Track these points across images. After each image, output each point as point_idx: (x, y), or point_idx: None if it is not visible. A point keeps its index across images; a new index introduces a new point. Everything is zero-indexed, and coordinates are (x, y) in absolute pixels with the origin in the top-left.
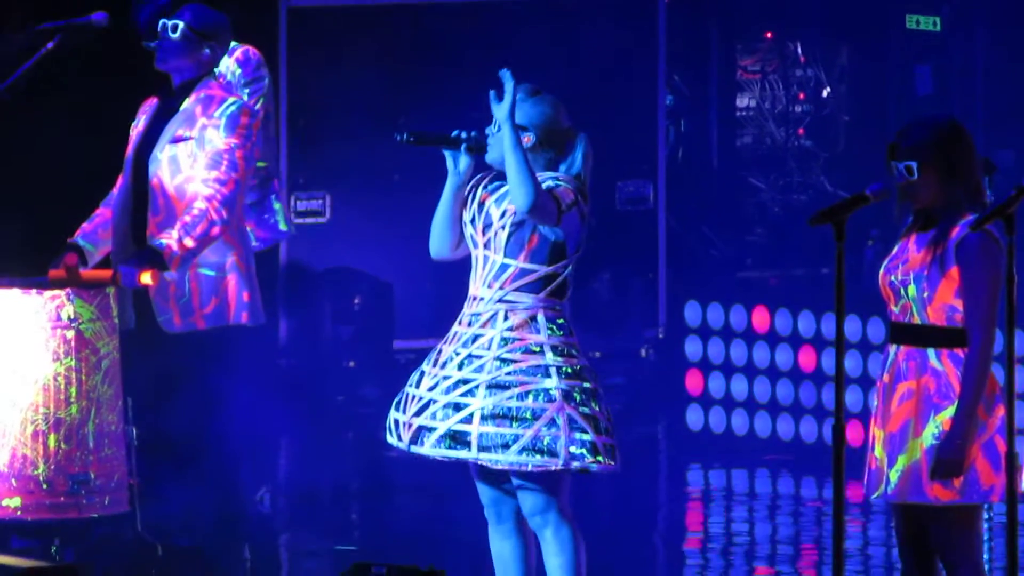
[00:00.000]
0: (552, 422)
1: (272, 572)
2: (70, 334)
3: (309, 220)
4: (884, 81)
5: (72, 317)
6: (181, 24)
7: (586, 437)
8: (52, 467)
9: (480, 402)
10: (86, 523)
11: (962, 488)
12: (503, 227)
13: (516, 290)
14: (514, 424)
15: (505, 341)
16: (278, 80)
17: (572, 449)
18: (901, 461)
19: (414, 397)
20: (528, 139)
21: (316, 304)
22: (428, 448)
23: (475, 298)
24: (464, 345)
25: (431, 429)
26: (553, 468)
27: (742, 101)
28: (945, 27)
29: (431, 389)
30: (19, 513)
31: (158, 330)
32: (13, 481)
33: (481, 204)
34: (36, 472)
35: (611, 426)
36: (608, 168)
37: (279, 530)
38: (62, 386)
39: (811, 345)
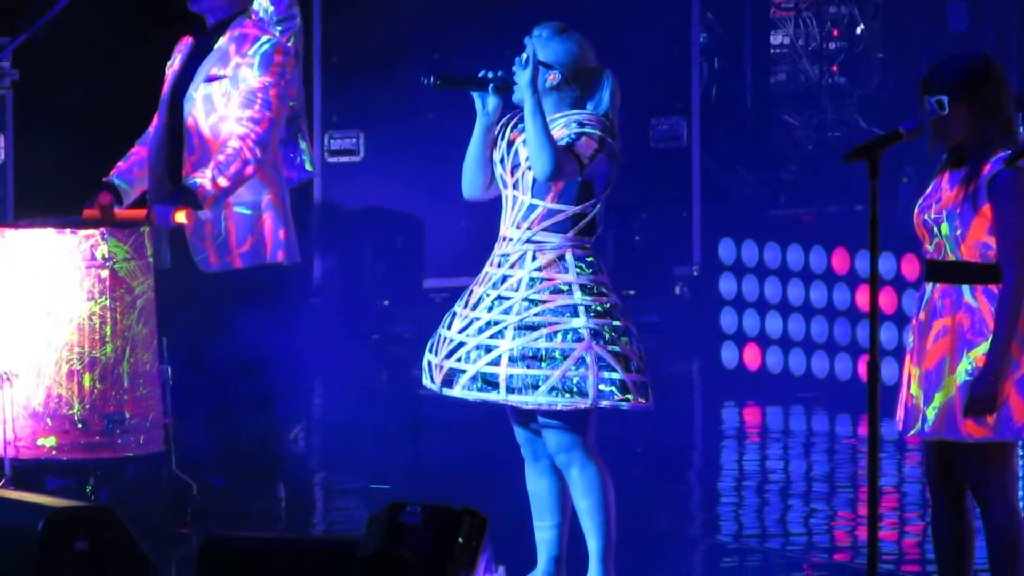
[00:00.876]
0: (580, 361)
1: (306, 511)
2: (104, 273)
3: (343, 159)
4: (918, 18)
5: (107, 256)
6: None
7: (615, 375)
8: (87, 407)
9: (508, 343)
10: (121, 463)
11: (995, 425)
12: (530, 168)
13: (544, 230)
14: (543, 364)
15: (533, 281)
16: (312, 18)
17: (601, 388)
18: (938, 398)
19: (446, 339)
20: (554, 77)
21: (350, 243)
22: (459, 390)
23: (505, 238)
24: (494, 286)
25: (462, 371)
26: (582, 407)
27: (776, 38)
28: None
29: (462, 331)
30: (54, 453)
31: (194, 269)
32: (48, 421)
33: (511, 144)
34: (71, 412)
35: (643, 364)
36: (642, 106)
37: (313, 469)
38: (97, 325)
39: (845, 282)
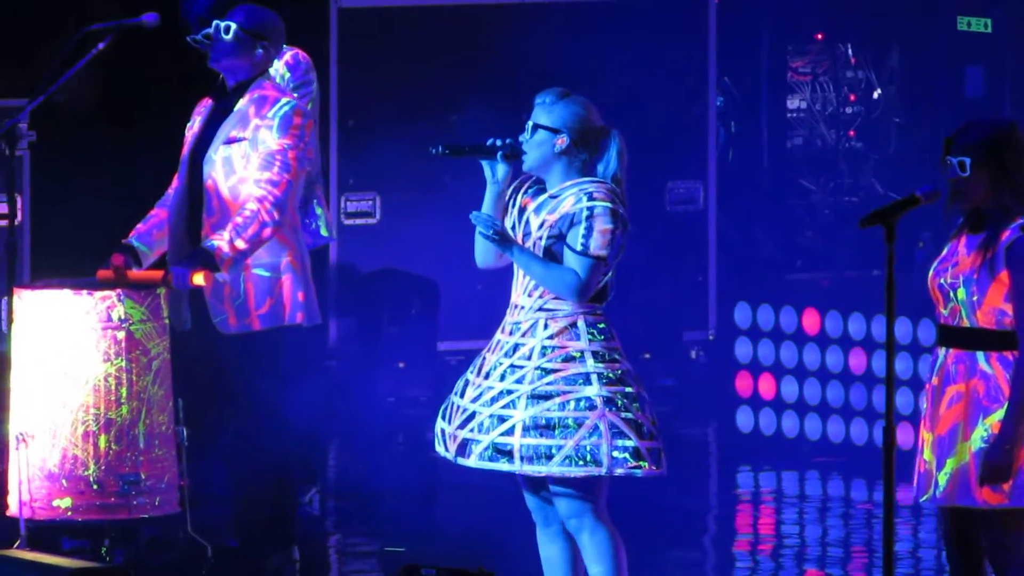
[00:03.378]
0: (594, 429)
1: (321, 573)
2: (121, 335)
3: (359, 221)
4: (935, 83)
5: (123, 318)
6: (234, 25)
7: (629, 443)
8: (103, 468)
9: (522, 413)
10: (136, 524)
11: (1011, 491)
12: (541, 238)
13: (556, 298)
14: (556, 433)
15: (546, 350)
16: (328, 80)
17: (615, 455)
18: (950, 464)
19: (459, 408)
20: (562, 141)
21: (366, 305)
22: (474, 460)
23: (516, 306)
24: (506, 355)
25: (476, 441)
26: (597, 475)
27: (793, 102)
28: (996, 28)
29: (475, 400)
30: (70, 514)
31: (213, 331)
32: (64, 482)
33: (522, 210)
34: (87, 473)
35: (656, 430)
36: (658, 169)
37: (328, 531)
38: (112, 387)
39: (861, 347)
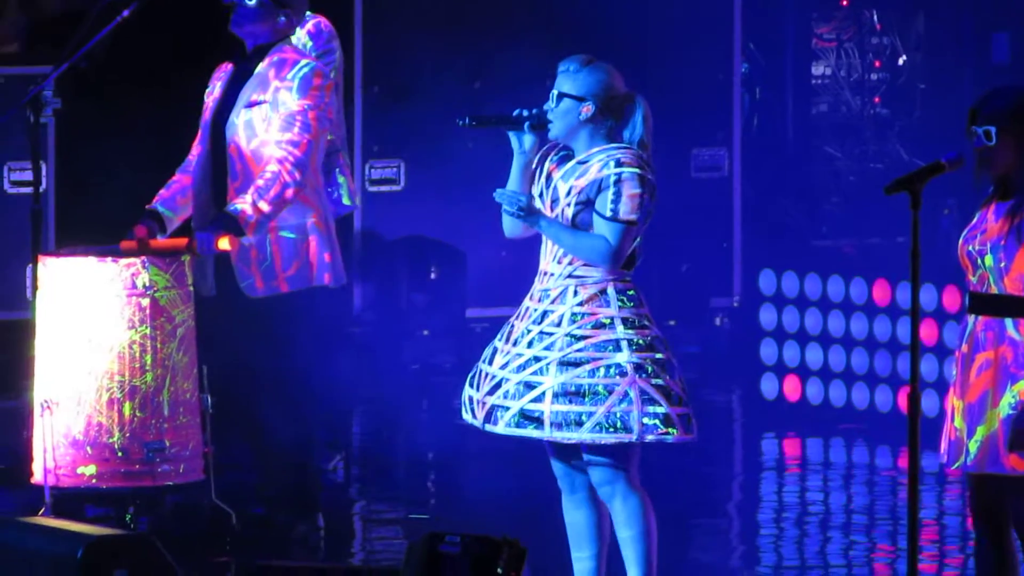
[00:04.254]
0: (624, 396)
1: (345, 540)
2: (145, 302)
3: (383, 188)
4: (960, 49)
5: (147, 285)
6: None
7: (659, 409)
8: (127, 435)
9: (552, 380)
10: (161, 491)
11: None
12: (569, 204)
13: (585, 265)
14: (587, 400)
15: (575, 317)
16: (353, 47)
17: (645, 422)
18: (980, 432)
19: (487, 375)
20: (588, 109)
21: (390, 272)
22: (502, 427)
23: (545, 273)
24: (535, 322)
25: (504, 408)
26: (627, 442)
27: (817, 69)
28: None
29: (503, 367)
30: (94, 481)
31: (239, 296)
32: (88, 449)
33: (549, 178)
34: (111, 440)
35: (685, 396)
36: (683, 136)
37: (353, 498)
38: (137, 354)
39: (886, 314)
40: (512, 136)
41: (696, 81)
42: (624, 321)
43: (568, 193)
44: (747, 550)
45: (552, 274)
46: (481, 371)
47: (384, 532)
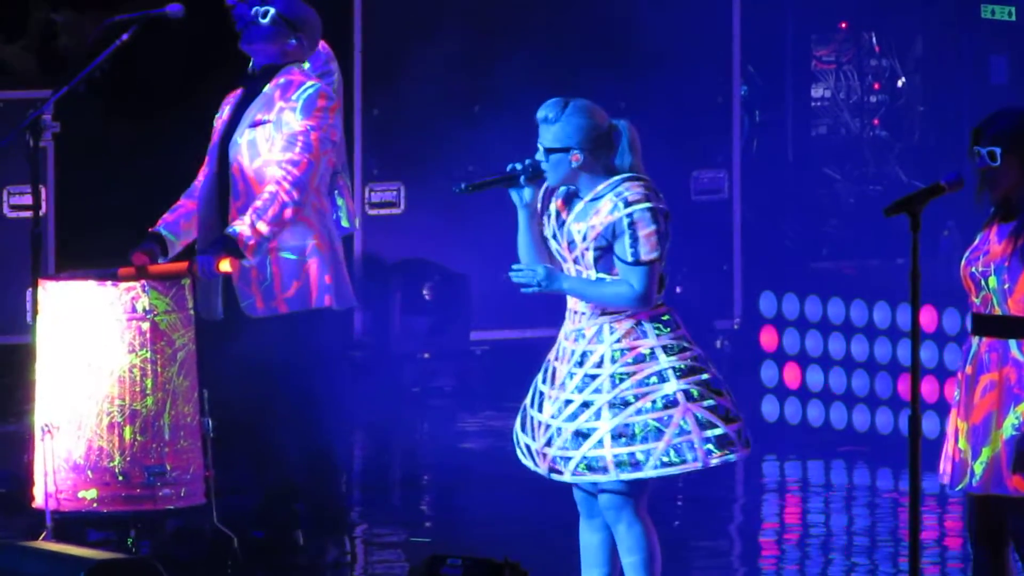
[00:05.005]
0: (679, 427)
1: (347, 564)
2: (145, 326)
3: (383, 211)
4: (959, 71)
5: (147, 309)
6: (272, 10)
7: (716, 432)
8: (128, 459)
9: (607, 424)
10: (162, 515)
11: None
12: (588, 248)
13: None
14: (639, 437)
15: (615, 354)
16: (353, 69)
17: (705, 448)
18: (985, 453)
19: (541, 424)
20: (576, 157)
21: (390, 295)
22: (568, 476)
23: (575, 312)
24: (578, 364)
25: (567, 458)
26: (694, 470)
27: (817, 91)
28: (1020, 17)
29: (555, 416)
30: (95, 505)
31: (241, 317)
32: (89, 473)
33: (560, 217)
34: (112, 464)
35: (735, 410)
36: (683, 158)
37: (354, 522)
38: (137, 378)
39: (887, 336)
40: (512, 193)
41: (696, 103)
42: (665, 349)
43: (585, 237)
44: (748, 572)
45: (583, 313)
46: (532, 418)
47: (385, 555)
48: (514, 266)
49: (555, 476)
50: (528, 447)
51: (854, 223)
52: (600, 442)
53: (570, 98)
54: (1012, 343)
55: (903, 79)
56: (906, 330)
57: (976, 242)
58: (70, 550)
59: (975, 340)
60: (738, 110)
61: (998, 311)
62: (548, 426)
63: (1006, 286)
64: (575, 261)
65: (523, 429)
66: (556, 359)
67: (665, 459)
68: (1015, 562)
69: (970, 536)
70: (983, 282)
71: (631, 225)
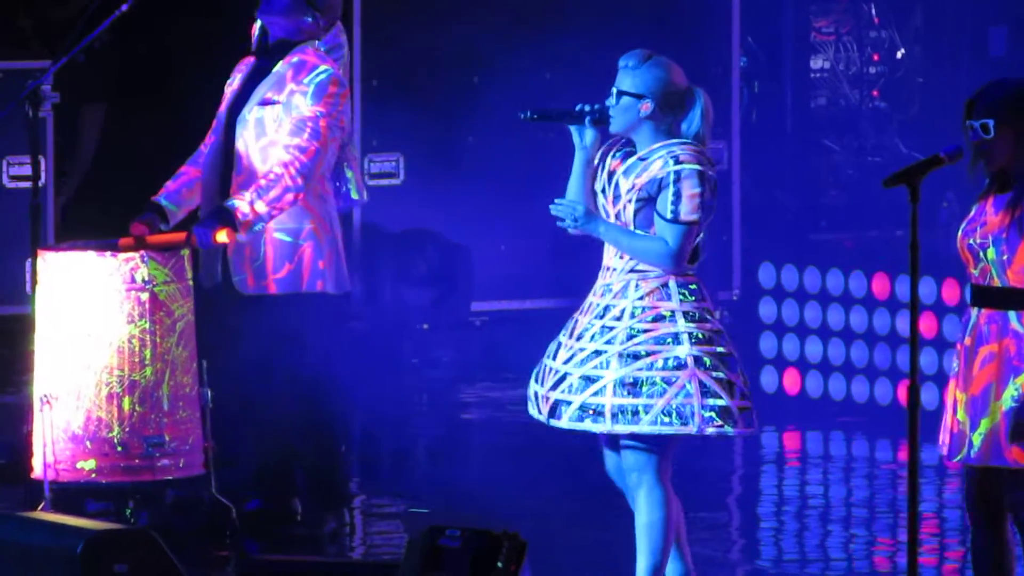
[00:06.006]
0: (683, 388)
1: (345, 534)
2: (144, 296)
3: (383, 182)
4: (958, 42)
5: (147, 279)
6: None
7: (719, 402)
8: (127, 430)
9: (613, 373)
10: (160, 486)
11: None
12: (630, 201)
13: None
14: (645, 392)
15: (636, 311)
16: (352, 40)
17: (704, 414)
18: (984, 424)
19: (551, 370)
20: (647, 107)
21: (389, 266)
22: (565, 422)
23: (608, 268)
24: (598, 316)
25: (567, 403)
26: (688, 433)
27: (816, 63)
28: None
29: (567, 362)
30: (94, 476)
31: (232, 290)
32: (88, 443)
33: (612, 173)
34: (111, 435)
35: (747, 390)
36: None
37: (353, 493)
38: (136, 348)
39: (885, 307)
40: (573, 131)
41: (695, 75)
42: (685, 315)
43: (630, 190)
44: (747, 544)
45: (614, 269)
46: (545, 366)
47: (384, 526)
48: (556, 200)
49: (553, 422)
50: (536, 394)
51: (853, 194)
52: (602, 390)
53: (654, 53)
54: (1011, 314)
55: (902, 50)
56: (905, 301)
57: (972, 214)
58: (69, 520)
59: (974, 312)
60: (737, 81)
61: (997, 283)
62: (557, 371)
63: (1004, 257)
64: (616, 216)
65: (536, 379)
66: (581, 313)
67: (663, 418)
68: (1014, 534)
69: (968, 508)
70: (982, 254)
71: (677, 182)
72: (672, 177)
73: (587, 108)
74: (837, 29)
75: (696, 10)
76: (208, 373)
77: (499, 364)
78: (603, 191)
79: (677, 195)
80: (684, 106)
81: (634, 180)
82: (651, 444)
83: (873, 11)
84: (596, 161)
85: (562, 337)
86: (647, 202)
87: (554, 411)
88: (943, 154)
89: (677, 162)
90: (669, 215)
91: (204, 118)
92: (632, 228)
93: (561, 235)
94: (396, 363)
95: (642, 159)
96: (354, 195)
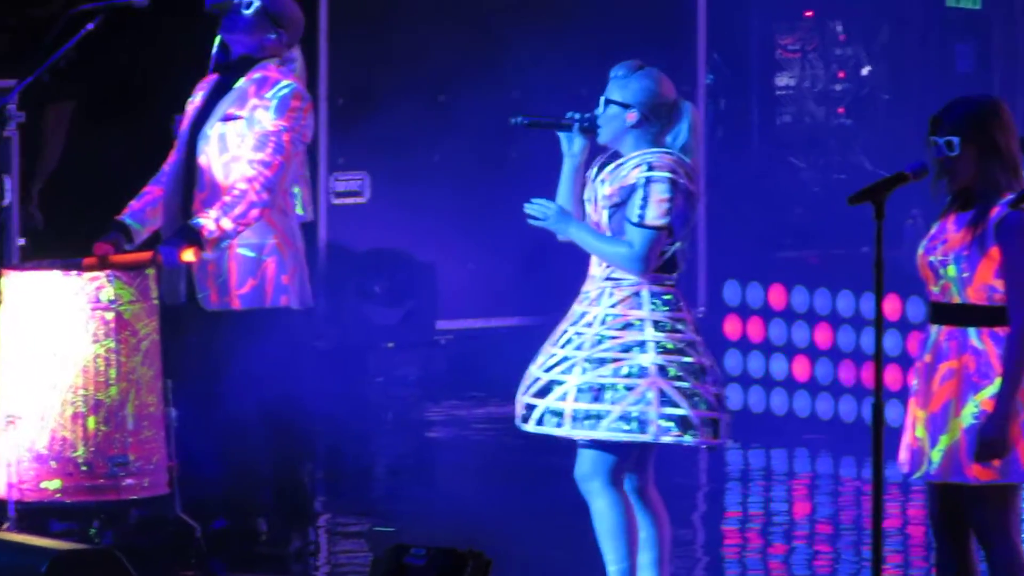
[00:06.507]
0: (643, 397)
1: (310, 553)
2: (110, 316)
3: (348, 200)
4: (924, 60)
5: (112, 299)
6: (257, 2)
7: (678, 412)
8: (91, 449)
9: (575, 379)
10: (125, 505)
11: (1002, 468)
12: (604, 207)
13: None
14: (606, 398)
15: (607, 318)
16: (318, 58)
17: (662, 423)
18: (943, 441)
19: (530, 375)
20: (632, 116)
21: (355, 285)
22: (531, 425)
23: (590, 276)
24: (573, 323)
25: (534, 407)
26: (645, 441)
27: (782, 80)
28: (985, 5)
29: (543, 367)
30: (59, 495)
31: (196, 307)
32: (52, 463)
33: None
34: (75, 454)
35: (715, 401)
36: None
37: (318, 511)
38: (102, 368)
39: (850, 324)
40: (562, 138)
41: None
42: (655, 324)
43: (606, 196)
44: (711, 561)
45: (594, 276)
46: (529, 373)
47: (349, 545)
48: (533, 200)
49: (523, 426)
50: (518, 400)
51: (819, 211)
52: (565, 395)
53: (645, 64)
54: (971, 331)
55: (868, 67)
56: (869, 318)
57: (933, 231)
58: (33, 540)
59: (934, 328)
60: (703, 98)
61: (957, 299)
62: (534, 376)
63: (965, 275)
64: (596, 224)
65: (522, 383)
66: (564, 320)
67: (622, 425)
68: (978, 550)
69: (932, 524)
70: (942, 271)
71: (646, 186)
72: (642, 182)
73: (576, 116)
74: (803, 46)
75: (662, 27)
76: (172, 392)
77: (465, 382)
78: (590, 200)
79: (645, 199)
80: (671, 118)
81: (610, 186)
82: (606, 449)
83: (839, 28)
84: (587, 172)
85: (547, 344)
86: (620, 207)
87: (526, 415)
88: (908, 171)
89: (649, 168)
90: (635, 219)
91: (170, 137)
92: (607, 233)
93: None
94: (361, 381)
95: (620, 166)
96: (299, 211)
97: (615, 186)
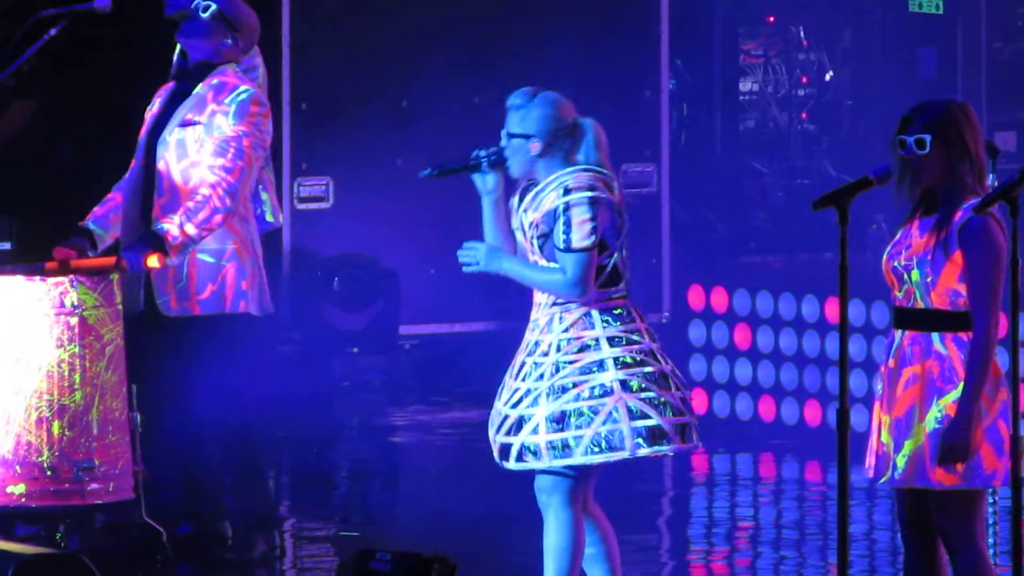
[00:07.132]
0: (610, 416)
1: (276, 557)
2: (74, 321)
3: (312, 206)
4: (887, 65)
5: (76, 304)
6: (213, 6)
7: (648, 423)
8: (56, 454)
9: (543, 410)
10: (91, 510)
11: (965, 473)
12: (532, 236)
13: None
14: (573, 423)
15: (562, 343)
16: (281, 64)
17: (637, 439)
18: (908, 446)
19: (498, 412)
20: (535, 146)
21: (319, 290)
22: (512, 463)
23: (536, 303)
24: (529, 354)
25: (510, 445)
26: (621, 458)
27: (745, 85)
28: (948, 10)
29: (506, 403)
30: (24, 500)
31: (156, 313)
32: (17, 468)
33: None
34: (40, 459)
35: (683, 405)
36: (612, 152)
37: (283, 516)
38: (66, 373)
39: (815, 329)
40: (476, 178)
41: (624, 98)
42: (610, 340)
43: (531, 225)
44: (677, 566)
45: (540, 303)
46: (495, 409)
47: (315, 549)
48: (464, 244)
49: (504, 464)
50: (492, 439)
51: (782, 217)
52: (536, 428)
53: (541, 89)
54: (935, 336)
55: (831, 73)
56: (834, 324)
57: (898, 236)
58: None
59: (898, 334)
60: (666, 104)
61: (921, 305)
62: (503, 415)
63: (928, 279)
64: (531, 251)
65: (490, 422)
66: (520, 351)
67: (594, 447)
68: (944, 554)
69: (900, 528)
70: (906, 276)
71: (566, 211)
72: (561, 208)
73: (482, 153)
74: (766, 52)
75: (625, 33)
76: (136, 397)
77: (429, 387)
78: (520, 228)
79: (567, 224)
80: (576, 137)
81: (532, 215)
82: (572, 468)
83: (802, 34)
84: (502, 195)
85: (507, 378)
86: (548, 236)
87: (503, 454)
88: (872, 176)
89: (566, 192)
90: (562, 245)
91: (135, 142)
92: (545, 262)
93: None
94: (326, 386)
95: (540, 190)
96: (269, 218)
97: (538, 214)
